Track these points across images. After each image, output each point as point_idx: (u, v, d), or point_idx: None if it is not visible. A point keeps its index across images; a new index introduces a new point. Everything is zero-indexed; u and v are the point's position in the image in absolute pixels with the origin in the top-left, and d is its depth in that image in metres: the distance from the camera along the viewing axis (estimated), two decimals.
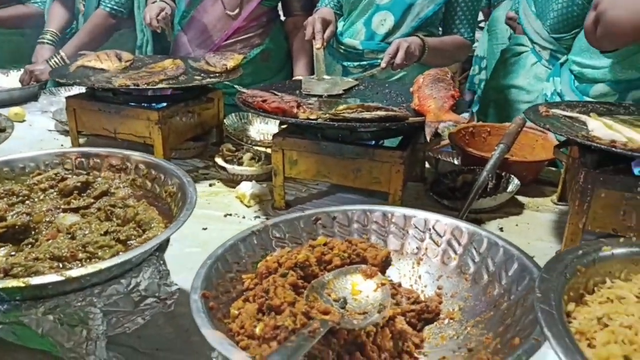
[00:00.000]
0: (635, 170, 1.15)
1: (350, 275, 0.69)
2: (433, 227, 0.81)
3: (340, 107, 1.21)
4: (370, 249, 0.73)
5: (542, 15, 2.15)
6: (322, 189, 1.50)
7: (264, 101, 1.21)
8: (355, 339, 0.62)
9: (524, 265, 0.67)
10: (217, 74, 1.64)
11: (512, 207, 1.38)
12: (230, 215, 1.34)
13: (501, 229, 1.28)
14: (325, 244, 0.76)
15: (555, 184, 1.46)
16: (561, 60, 1.91)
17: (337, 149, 1.26)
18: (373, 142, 1.36)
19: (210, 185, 1.51)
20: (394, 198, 1.25)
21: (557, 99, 1.82)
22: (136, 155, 0.95)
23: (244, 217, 1.32)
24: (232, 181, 1.49)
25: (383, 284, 0.67)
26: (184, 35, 2.27)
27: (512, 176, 1.40)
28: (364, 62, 1.93)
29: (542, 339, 0.51)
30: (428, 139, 1.10)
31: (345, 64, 1.98)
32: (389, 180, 1.24)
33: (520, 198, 1.42)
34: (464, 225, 0.79)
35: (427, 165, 1.61)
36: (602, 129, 1.14)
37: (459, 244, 0.77)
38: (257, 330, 0.60)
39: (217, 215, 1.33)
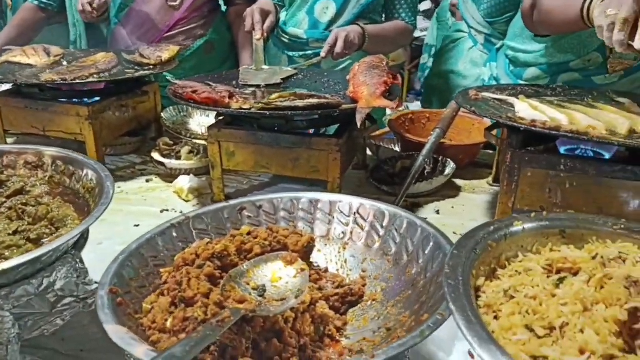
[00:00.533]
0: (561, 149, 1.20)
1: (271, 262, 0.68)
2: (357, 212, 0.81)
3: (273, 96, 1.20)
4: (292, 236, 0.72)
5: (478, 1, 2.20)
6: (264, 180, 1.49)
7: (194, 92, 1.18)
8: (273, 326, 0.61)
9: (439, 244, 0.68)
10: (151, 66, 1.59)
11: (449, 190, 1.40)
12: (167, 210, 1.30)
13: (437, 212, 1.30)
14: (249, 233, 0.75)
15: (491, 166, 1.49)
16: (497, 46, 1.96)
17: (274, 139, 1.25)
18: (312, 130, 1.35)
19: (147, 181, 1.46)
20: (333, 186, 1.24)
21: (494, 84, 1.87)
22: (51, 151, 0.91)
23: (181, 212, 1.29)
24: (171, 176, 1.45)
25: (303, 270, 0.67)
26: (122, 28, 2.19)
27: (449, 160, 1.43)
28: (309, 52, 1.92)
29: (448, 314, 0.52)
30: (359, 124, 1.11)
31: (290, 54, 1.97)
32: (327, 169, 1.24)
33: (458, 181, 1.45)
34: (386, 208, 0.79)
35: (369, 152, 1.62)
36: (527, 110, 1.17)
37: (382, 226, 0.78)
38: (168, 324, 0.58)
39: (153, 212, 1.30)
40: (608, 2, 1.09)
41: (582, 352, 0.49)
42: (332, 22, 1.88)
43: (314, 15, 1.89)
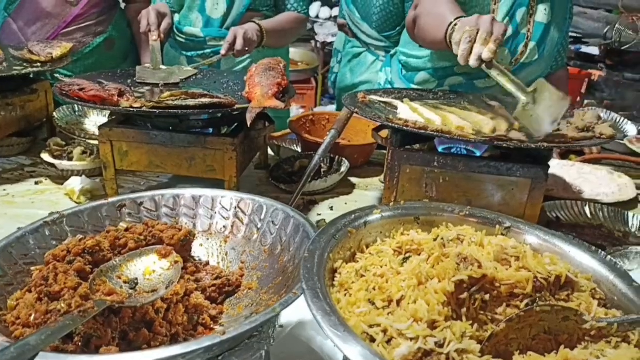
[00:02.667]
0: (439, 148, 1.31)
1: (145, 256, 0.70)
2: (238, 206, 0.84)
3: (165, 94, 1.20)
4: (168, 230, 0.74)
5: (367, 18, 2.34)
6: (162, 181, 1.48)
7: (81, 89, 1.15)
8: (143, 317, 0.63)
9: (306, 233, 0.74)
10: (40, 64, 1.52)
11: (344, 188, 1.48)
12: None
13: (331, 208, 1.37)
14: (127, 229, 0.76)
15: (383, 164, 1.60)
16: (392, 53, 2.09)
17: (169, 138, 1.25)
18: (210, 129, 1.37)
19: (37, 183, 1.40)
20: (230, 185, 1.27)
21: (389, 87, 2.00)
22: None
23: None
24: (62, 178, 1.40)
25: (176, 262, 0.69)
26: (12, 23, 2.06)
27: (344, 159, 1.51)
28: (208, 50, 1.93)
29: (300, 292, 0.57)
30: (248, 123, 1.14)
31: (188, 54, 1.97)
32: (223, 168, 1.26)
33: (352, 179, 1.54)
34: (264, 202, 0.84)
35: (271, 152, 1.66)
36: (407, 112, 1.28)
37: (260, 219, 0.82)
38: (32, 318, 0.58)
39: (41, 214, 1.23)
40: (466, 22, 1.23)
41: (414, 320, 0.57)
42: (225, 18, 1.91)
43: (206, 13, 1.91)
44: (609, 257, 0.69)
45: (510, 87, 1.20)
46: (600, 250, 0.70)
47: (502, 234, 0.76)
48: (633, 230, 1.29)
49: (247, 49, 1.68)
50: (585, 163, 1.73)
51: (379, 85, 2.08)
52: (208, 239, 0.84)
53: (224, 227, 0.84)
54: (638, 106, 2.04)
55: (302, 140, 1.61)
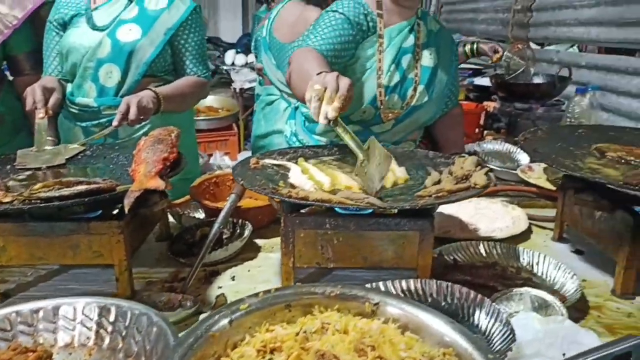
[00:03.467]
0: (336, 207, 1.32)
1: None
2: (101, 313, 0.80)
3: (37, 186, 1.14)
4: (18, 357, 0.68)
5: (281, 66, 2.38)
6: (52, 267, 1.38)
7: None
8: None
9: (167, 341, 0.70)
10: None
11: (249, 252, 1.45)
12: None
13: (233, 278, 1.33)
14: None
15: None
16: (295, 105, 2.12)
17: (49, 228, 1.18)
18: (97, 212, 1.30)
19: None
20: (120, 269, 1.21)
21: (294, 139, 2.02)
22: None
23: None
24: None
25: None
26: None
27: (247, 222, 1.48)
28: (103, 120, 1.87)
29: None
30: (126, 210, 1.10)
31: (84, 124, 1.90)
32: (111, 252, 1.20)
33: (258, 241, 1.51)
34: (129, 306, 0.80)
35: (173, 220, 1.61)
36: (298, 175, 1.28)
37: (125, 326, 0.78)
38: None
39: None
40: (315, 80, 1.27)
41: None
42: (119, 86, 1.87)
43: (99, 82, 1.87)
44: (465, 329, 0.70)
45: (352, 144, 1.25)
46: (456, 322, 0.72)
47: (372, 310, 0.77)
48: (524, 264, 1.35)
49: (142, 117, 1.64)
50: (482, 197, 1.81)
51: (285, 138, 2.10)
52: (70, 354, 0.78)
53: (88, 338, 0.79)
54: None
55: (203, 206, 1.58)
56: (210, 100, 4.52)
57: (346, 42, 1.70)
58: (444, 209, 1.60)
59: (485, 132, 2.68)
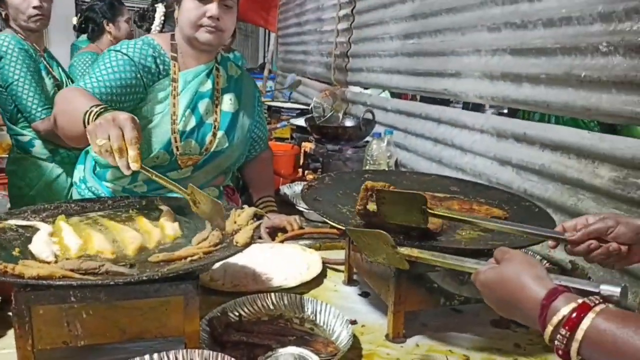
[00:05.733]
0: None
1: None
2: None
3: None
4: None
5: None
6: None
7: None
8: None
9: None
10: None
11: None
12: None
13: None
14: None
15: None
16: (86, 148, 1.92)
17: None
18: None
19: None
20: None
21: (83, 186, 1.81)
22: None
23: None
24: None
25: None
26: None
27: None
28: None
29: None
30: None
31: None
32: None
33: None
34: None
35: None
36: (40, 240, 1.10)
37: None
38: None
39: None
40: (92, 130, 1.14)
41: None
42: None
43: None
44: None
45: (170, 186, 1.22)
46: None
47: None
48: (309, 314, 1.33)
49: None
50: (288, 240, 1.80)
51: (74, 184, 1.88)
52: None
53: None
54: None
55: None
56: None
57: (127, 86, 1.58)
58: (238, 259, 1.53)
59: (306, 171, 2.74)
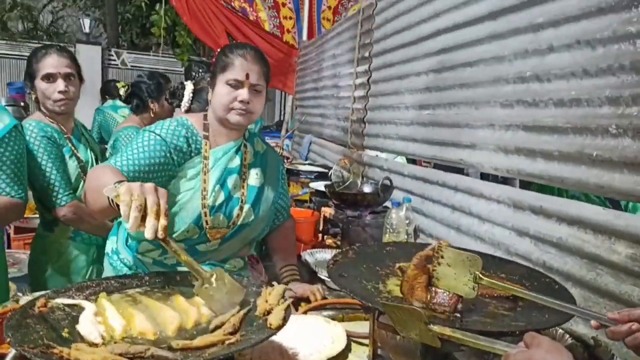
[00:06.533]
0: None
1: None
2: None
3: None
4: None
5: None
6: None
7: None
8: None
9: None
10: None
11: None
12: None
13: None
14: None
15: None
16: (119, 219, 2.02)
17: None
18: None
19: None
20: None
21: (115, 257, 1.89)
22: None
23: None
24: None
25: None
26: None
27: None
28: None
29: None
30: None
31: None
32: None
33: None
34: None
35: None
36: (87, 321, 1.16)
37: None
38: None
39: None
40: (131, 186, 1.20)
41: None
42: None
43: None
44: None
45: (189, 266, 1.26)
46: None
47: None
48: None
49: None
50: (311, 311, 1.84)
51: (106, 254, 1.96)
52: None
53: None
54: (357, 240, 2.32)
55: None
56: None
57: (157, 164, 1.68)
58: None
59: (326, 237, 2.80)
